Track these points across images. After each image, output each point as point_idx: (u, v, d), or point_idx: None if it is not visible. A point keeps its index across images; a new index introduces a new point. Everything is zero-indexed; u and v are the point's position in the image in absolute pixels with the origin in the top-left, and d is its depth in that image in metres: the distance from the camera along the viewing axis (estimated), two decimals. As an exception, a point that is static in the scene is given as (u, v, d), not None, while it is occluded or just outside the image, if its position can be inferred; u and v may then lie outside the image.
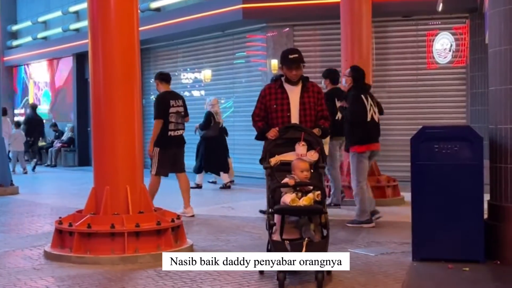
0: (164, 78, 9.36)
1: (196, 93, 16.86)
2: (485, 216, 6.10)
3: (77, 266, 6.07)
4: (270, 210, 5.33)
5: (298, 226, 5.32)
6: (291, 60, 6.00)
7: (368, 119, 7.99)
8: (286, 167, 5.55)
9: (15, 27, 23.75)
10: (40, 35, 21.91)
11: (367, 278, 5.50)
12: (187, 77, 17.10)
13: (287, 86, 6.05)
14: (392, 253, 6.48)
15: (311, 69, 13.65)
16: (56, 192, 12.55)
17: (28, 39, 22.53)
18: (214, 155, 12.56)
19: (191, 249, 6.65)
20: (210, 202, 10.71)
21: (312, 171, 5.50)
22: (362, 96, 8.02)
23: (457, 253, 5.89)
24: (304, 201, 5.21)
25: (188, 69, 17.01)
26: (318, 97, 6.09)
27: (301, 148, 5.59)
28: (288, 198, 5.26)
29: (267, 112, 6.06)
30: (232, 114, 15.64)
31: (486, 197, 6.12)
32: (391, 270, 5.76)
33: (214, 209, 9.75)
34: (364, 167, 8.05)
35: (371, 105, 8.04)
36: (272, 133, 5.71)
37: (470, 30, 12.99)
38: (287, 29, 14.10)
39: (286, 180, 5.39)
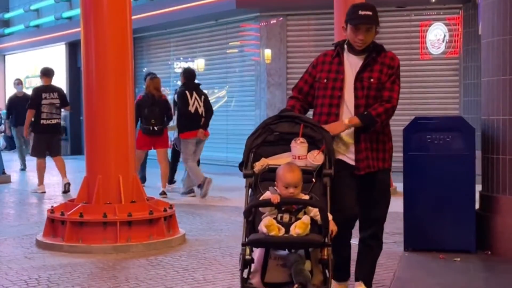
0: (44, 73, 10.76)
1: (189, 83, 16.81)
2: (477, 206, 6.12)
3: (69, 255, 6.06)
4: (245, 239, 3.73)
5: (288, 264, 3.69)
6: (361, 17, 4.15)
7: (192, 111, 9.61)
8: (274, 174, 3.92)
9: (7, 15, 23.61)
10: (32, 23, 21.80)
11: (358, 268, 5.50)
12: (180, 66, 17.05)
13: (347, 56, 4.28)
14: (384, 243, 6.48)
15: (305, 59, 13.65)
16: (48, 181, 12.51)
17: (21, 27, 22.42)
18: None
19: (183, 238, 6.66)
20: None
21: (313, 180, 3.91)
22: (187, 92, 9.66)
23: (449, 243, 5.91)
24: (298, 228, 3.59)
25: (181, 58, 16.97)
26: (388, 72, 4.21)
27: (298, 147, 3.91)
28: (264, 222, 3.64)
29: (315, 88, 4.33)
30: (225, 103, 15.63)
31: (478, 187, 6.14)
32: (383, 260, 5.78)
33: (207, 199, 9.75)
34: (189, 150, 9.73)
35: (195, 99, 9.70)
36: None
37: (464, 20, 13.00)
38: (281, 18, 14.08)
39: (267, 194, 3.77)
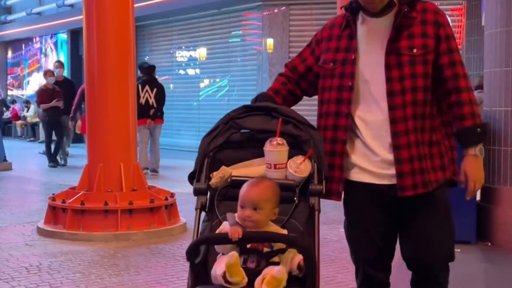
0: None
1: (191, 72, 16.82)
2: (478, 197, 6.12)
3: (70, 242, 6.08)
4: None
5: None
6: None
7: (142, 103, 10.72)
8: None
9: (9, 2, 23.57)
10: (34, 10, 21.76)
11: (359, 258, 5.51)
12: (182, 55, 17.04)
13: (364, 21, 2.83)
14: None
15: (307, 49, 13.61)
16: (50, 169, 12.53)
17: (23, 14, 22.38)
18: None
19: (184, 227, 6.67)
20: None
21: (295, 199, 2.69)
22: (139, 85, 10.67)
23: (449, 234, 5.91)
24: (266, 284, 2.38)
25: (183, 47, 16.94)
26: (440, 34, 2.75)
27: (274, 151, 2.69)
28: (220, 267, 2.44)
29: (320, 76, 2.92)
30: (226, 93, 15.62)
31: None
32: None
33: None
34: (143, 136, 10.95)
35: (146, 91, 10.91)
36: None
37: (467, 11, 12.95)
38: (283, 8, 14.03)
39: (225, 226, 2.54)
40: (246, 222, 2.48)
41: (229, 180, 2.74)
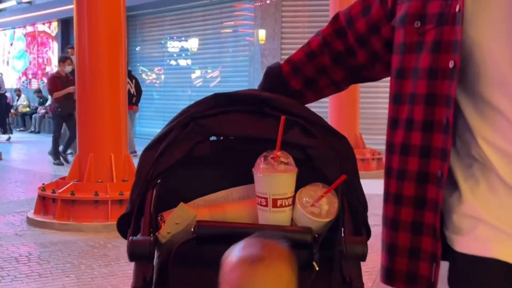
0: None
1: (182, 62, 16.77)
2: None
3: (60, 232, 6.06)
4: None
5: None
6: None
7: None
8: (215, 251, 1.39)
9: (-1, -9, 23.43)
10: (25, -1, 21.65)
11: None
12: (173, 45, 16.98)
13: None
14: (375, 225, 6.51)
15: (299, 40, 13.60)
16: (40, 159, 12.48)
17: (13, 3, 22.24)
18: None
19: (174, 218, 6.66)
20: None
21: (315, 267, 1.48)
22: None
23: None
24: None
25: (175, 38, 16.88)
26: None
27: (274, 177, 1.50)
28: None
29: (388, 44, 1.49)
30: (218, 84, 15.59)
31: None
32: (375, 242, 5.79)
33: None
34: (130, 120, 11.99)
35: (128, 82, 11.71)
36: None
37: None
38: (276, -1, 14.01)
39: None
40: None
41: (192, 228, 1.50)
